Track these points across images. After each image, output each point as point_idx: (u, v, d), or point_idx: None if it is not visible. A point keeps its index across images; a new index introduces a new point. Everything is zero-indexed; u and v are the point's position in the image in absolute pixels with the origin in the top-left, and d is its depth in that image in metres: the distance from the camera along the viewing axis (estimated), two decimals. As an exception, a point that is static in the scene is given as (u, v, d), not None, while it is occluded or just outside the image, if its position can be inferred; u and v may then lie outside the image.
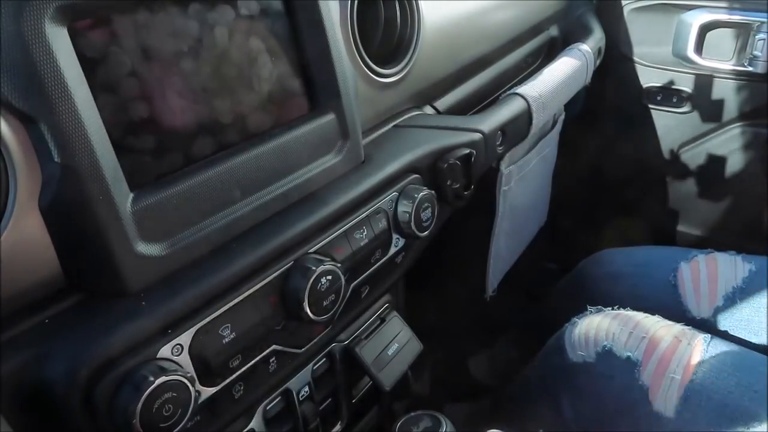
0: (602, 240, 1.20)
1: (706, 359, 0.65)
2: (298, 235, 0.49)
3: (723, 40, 1.11)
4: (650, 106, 1.25)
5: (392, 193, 0.58)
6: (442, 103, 0.82)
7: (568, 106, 1.13)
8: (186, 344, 0.41)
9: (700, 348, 0.67)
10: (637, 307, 0.75)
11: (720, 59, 1.12)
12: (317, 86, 0.54)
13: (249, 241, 0.47)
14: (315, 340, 0.54)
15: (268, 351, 0.48)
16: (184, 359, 0.41)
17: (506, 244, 1.08)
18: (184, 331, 0.41)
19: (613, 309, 0.75)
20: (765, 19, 1.04)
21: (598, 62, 1.08)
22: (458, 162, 0.65)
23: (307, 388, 0.59)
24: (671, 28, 1.15)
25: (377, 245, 0.57)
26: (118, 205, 0.39)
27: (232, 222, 0.46)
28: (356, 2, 0.62)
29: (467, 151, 0.66)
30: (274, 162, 0.50)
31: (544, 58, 1.12)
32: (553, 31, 1.14)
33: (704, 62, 1.14)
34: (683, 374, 0.65)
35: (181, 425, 0.39)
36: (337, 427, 0.65)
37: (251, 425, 0.53)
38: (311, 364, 0.59)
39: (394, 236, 0.59)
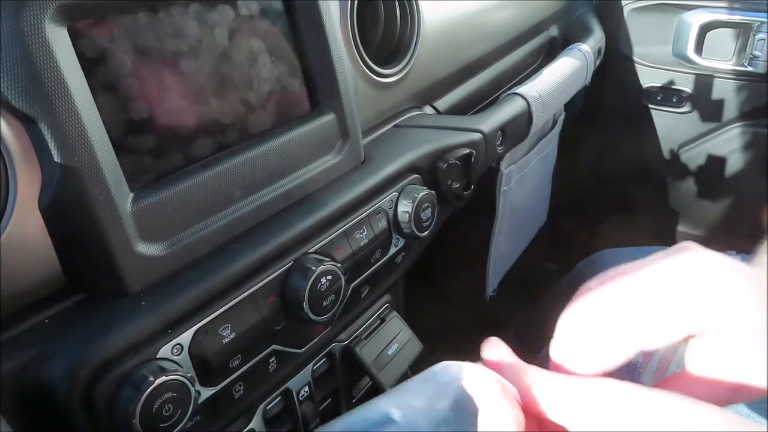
0: (602, 240, 1.20)
1: None
2: (298, 235, 0.49)
3: (723, 40, 1.11)
4: (650, 106, 1.25)
5: (392, 193, 0.58)
6: (442, 103, 0.82)
7: (568, 106, 1.13)
8: (186, 344, 0.41)
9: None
10: None
11: (720, 59, 1.12)
12: (317, 86, 0.54)
13: (249, 241, 0.47)
14: (315, 340, 0.54)
15: (267, 351, 0.48)
16: (184, 359, 0.41)
17: (506, 244, 1.08)
18: (184, 331, 0.40)
19: None
20: (765, 19, 1.05)
21: (598, 62, 1.08)
22: (458, 162, 0.65)
23: (307, 388, 0.58)
24: (671, 28, 1.15)
25: (377, 245, 0.57)
26: (118, 205, 0.39)
27: (232, 222, 0.46)
28: (356, 2, 0.62)
29: (467, 151, 0.66)
30: (274, 162, 0.49)
31: (544, 58, 1.11)
32: (553, 31, 1.14)
33: (704, 62, 1.14)
34: None
35: (181, 425, 0.39)
36: (337, 427, 0.65)
37: (251, 425, 0.53)
38: (311, 364, 0.59)
39: (394, 236, 0.59)
